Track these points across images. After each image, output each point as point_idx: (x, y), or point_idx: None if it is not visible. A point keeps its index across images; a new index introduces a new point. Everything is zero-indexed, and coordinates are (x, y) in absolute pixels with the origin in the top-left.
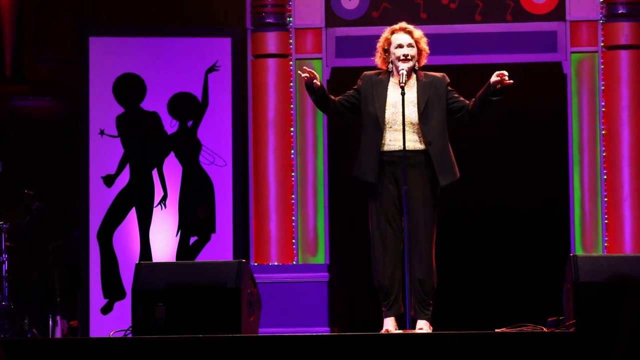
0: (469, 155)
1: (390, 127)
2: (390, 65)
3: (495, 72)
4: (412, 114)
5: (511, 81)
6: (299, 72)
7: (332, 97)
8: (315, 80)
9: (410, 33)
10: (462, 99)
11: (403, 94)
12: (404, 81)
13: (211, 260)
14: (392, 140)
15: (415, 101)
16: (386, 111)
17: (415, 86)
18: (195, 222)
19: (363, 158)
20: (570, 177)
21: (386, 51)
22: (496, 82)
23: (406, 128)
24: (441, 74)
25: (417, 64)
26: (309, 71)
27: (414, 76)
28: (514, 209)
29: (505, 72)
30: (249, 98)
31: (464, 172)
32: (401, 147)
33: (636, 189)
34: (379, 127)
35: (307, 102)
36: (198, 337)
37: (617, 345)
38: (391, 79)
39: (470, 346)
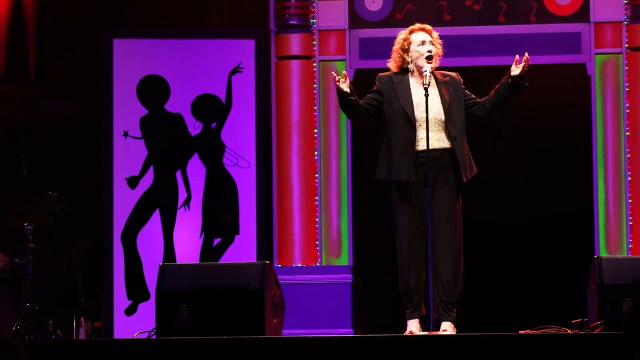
0: (493, 156)
1: (420, 125)
2: (411, 66)
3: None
4: (439, 112)
5: (527, 58)
6: (333, 73)
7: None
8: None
9: (429, 32)
10: (474, 96)
11: (427, 95)
12: (427, 82)
13: (235, 261)
14: (422, 139)
15: (439, 99)
16: (414, 109)
17: (436, 85)
18: (218, 224)
19: (395, 157)
20: (594, 178)
21: (405, 51)
22: (515, 69)
23: (433, 127)
24: (455, 72)
25: None
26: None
27: (432, 76)
28: (539, 210)
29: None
30: (272, 100)
31: (488, 173)
32: (428, 147)
33: None
34: (412, 124)
35: (330, 103)
36: (221, 339)
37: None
38: (411, 78)
39: (494, 348)
